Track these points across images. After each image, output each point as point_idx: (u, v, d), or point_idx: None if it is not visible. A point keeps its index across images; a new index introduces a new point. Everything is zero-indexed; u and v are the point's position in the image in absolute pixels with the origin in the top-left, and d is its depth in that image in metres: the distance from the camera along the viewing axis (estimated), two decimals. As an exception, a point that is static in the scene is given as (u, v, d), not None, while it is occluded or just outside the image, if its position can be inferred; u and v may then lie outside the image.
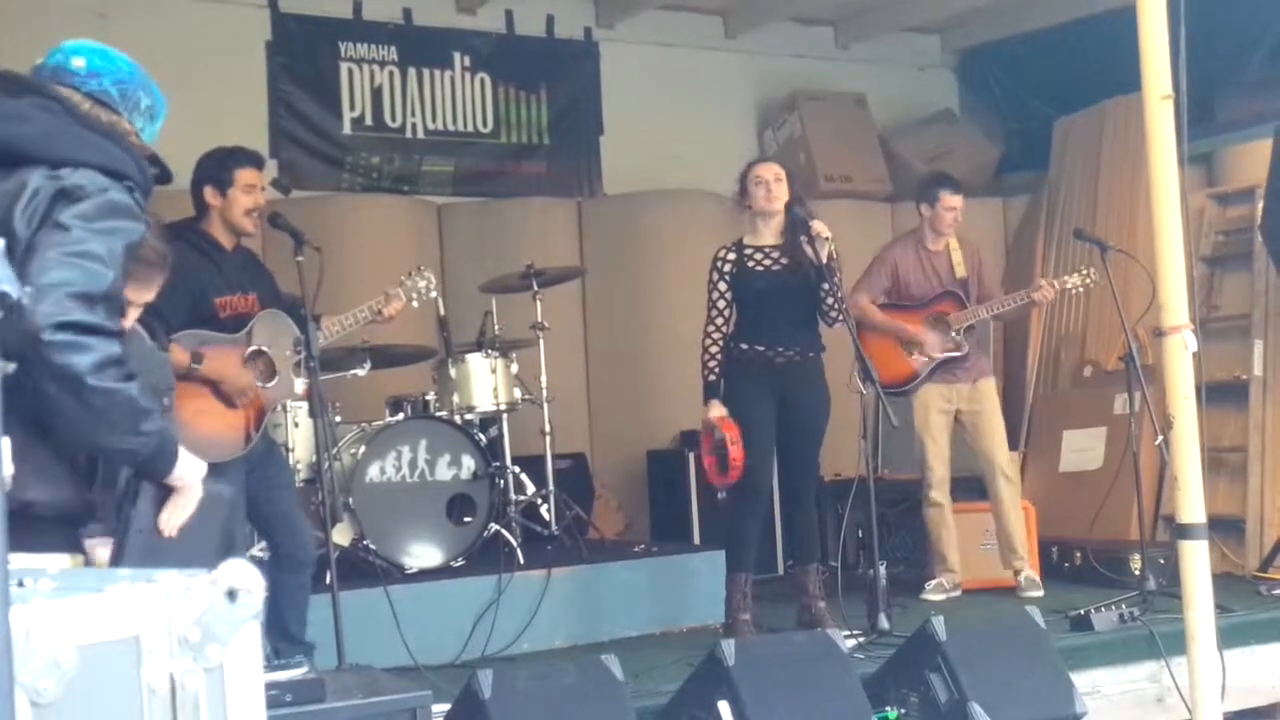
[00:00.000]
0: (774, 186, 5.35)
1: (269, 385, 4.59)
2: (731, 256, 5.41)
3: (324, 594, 4.49)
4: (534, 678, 3.98)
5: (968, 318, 6.13)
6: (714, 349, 5.36)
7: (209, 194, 4.53)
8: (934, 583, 6.10)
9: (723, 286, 5.39)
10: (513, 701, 3.79)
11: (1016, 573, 6.07)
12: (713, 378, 5.34)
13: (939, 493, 6.11)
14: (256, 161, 4.68)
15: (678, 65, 8.45)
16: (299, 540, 4.60)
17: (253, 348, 4.58)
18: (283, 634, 4.40)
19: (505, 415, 6.14)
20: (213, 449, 4.39)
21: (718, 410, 5.26)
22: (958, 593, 6.08)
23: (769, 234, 5.42)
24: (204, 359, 4.41)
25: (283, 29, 7.51)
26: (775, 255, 5.39)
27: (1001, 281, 7.04)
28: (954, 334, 6.10)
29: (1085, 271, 6.18)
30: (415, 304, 5.24)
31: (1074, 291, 6.27)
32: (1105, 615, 5.17)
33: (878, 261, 6.31)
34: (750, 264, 5.38)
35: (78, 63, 2.68)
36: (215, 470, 4.34)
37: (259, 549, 4.81)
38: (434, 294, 5.31)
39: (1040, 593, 5.93)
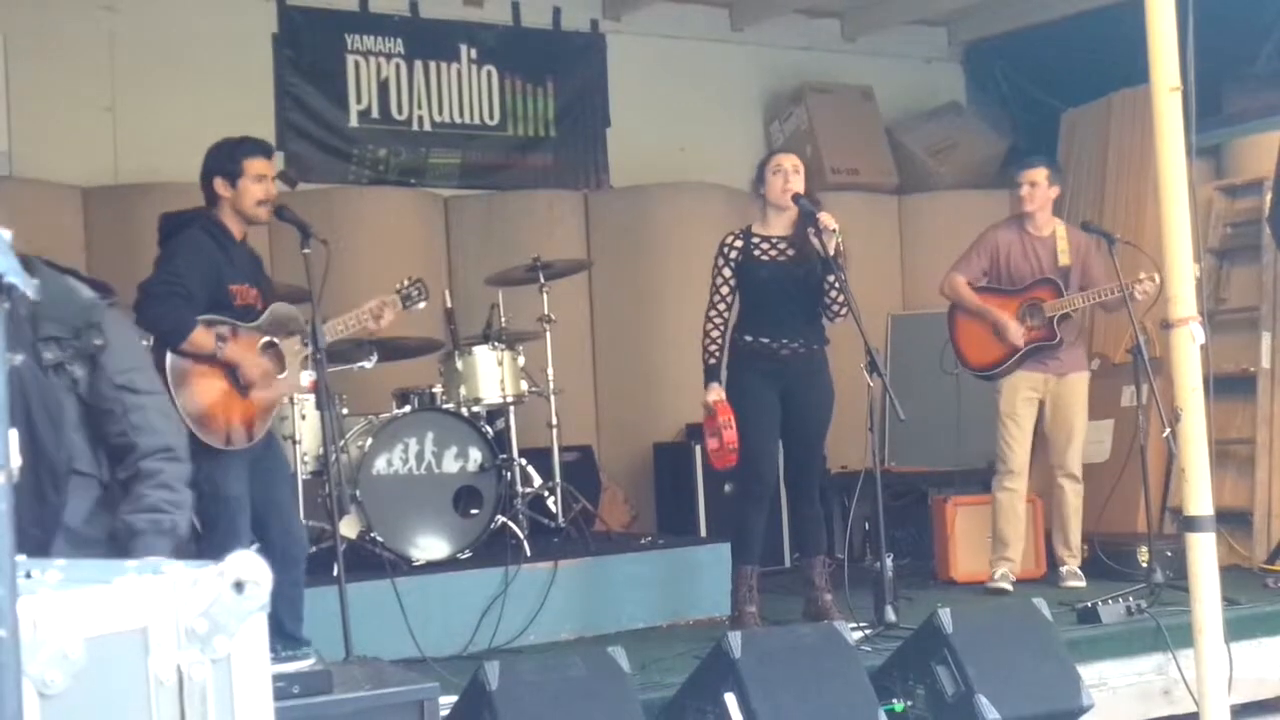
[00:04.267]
0: (793, 176, 5.35)
1: (280, 377, 4.60)
2: (739, 244, 5.41)
3: (331, 586, 4.50)
4: (541, 669, 3.99)
5: (1062, 306, 6.04)
6: (715, 333, 5.37)
7: (220, 185, 4.55)
8: (1000, 572, 6.04)
9: (727, 273, 5.39)
10: (520, 693, 3.79)
11: (1061, 564, 6.11)
12: (713, 361, 5.34)
13: (1013, 480, 6.08)
14: (266, 151, 4.69)
15: (684, 58, 8.44)
16: (292, 536, 4.60)
17: (266, 339, 4.60)
18: (277, 631, 4.33)
19: (512, 408, 6.14)
20: (224, 437, 4.42)
21: (716, 394, 5.27)
22: (1012, 590, 6.00)
23: (779, 225, 5.42)
24: (227, 342, 4.44)
25: (289, 21, 7.51)
26: (782, 246, 5.39)
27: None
28: (1046, 319, 6.03)
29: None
30: (408, 311, 5.25)
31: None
32: (1112, 607, 5.17)
33: (979, 242, 6.27)
34: (757, 253, 5.38)
35: None
36: (221, 462, 4.42)
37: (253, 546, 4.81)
38: (422, 305, 5.31)
39: (1082, 583, 5.98)
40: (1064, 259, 6.12)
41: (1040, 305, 6.09)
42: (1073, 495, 6.12)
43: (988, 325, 6.14)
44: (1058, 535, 6.19)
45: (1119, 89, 7.67)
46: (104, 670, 1.42)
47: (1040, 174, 6.14)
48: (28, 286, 2.06)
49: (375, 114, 7.70)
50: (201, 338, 4.39)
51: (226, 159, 4.57)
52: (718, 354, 5.36)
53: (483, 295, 6.49)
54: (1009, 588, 5.98)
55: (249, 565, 1.52)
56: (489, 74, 8.00)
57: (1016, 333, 6.06)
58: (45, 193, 6.71)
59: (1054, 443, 6.16)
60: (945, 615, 4.33)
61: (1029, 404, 6.12)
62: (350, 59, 7.65)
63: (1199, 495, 4.24)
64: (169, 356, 4.41)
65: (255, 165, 4.58)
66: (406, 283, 5.26)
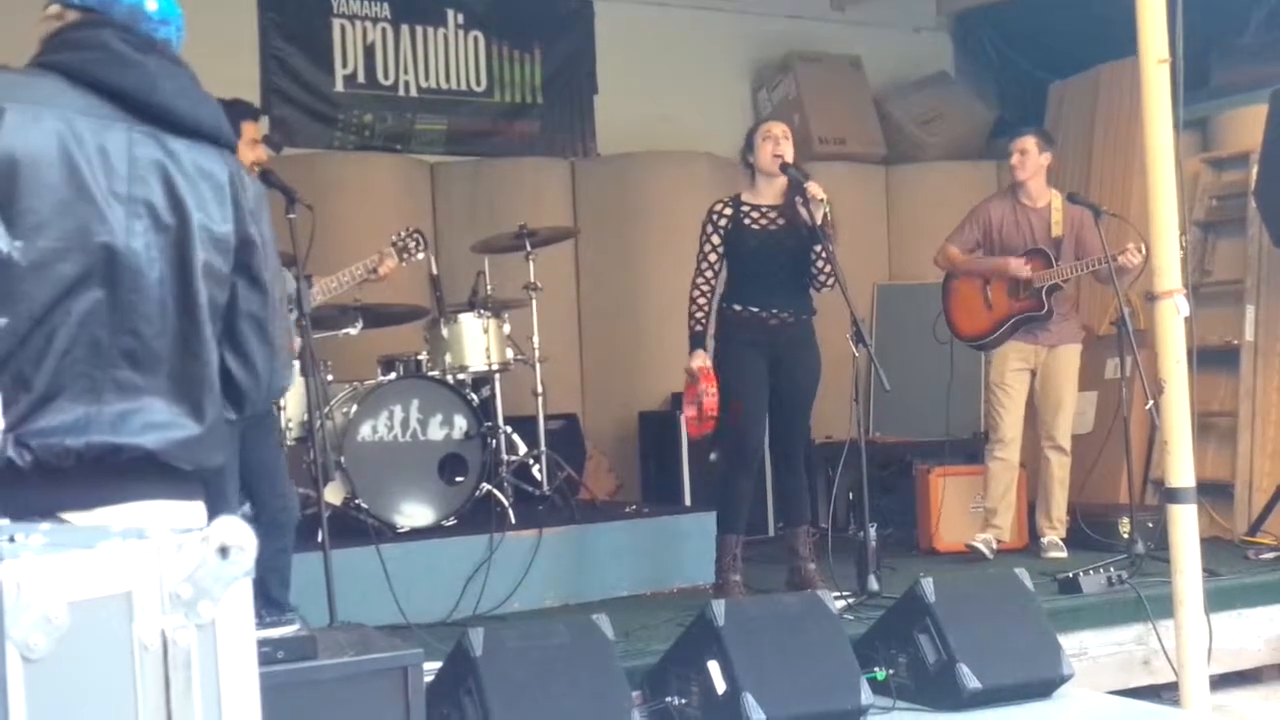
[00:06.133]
0: (782, 143, 5.34)
1: None
2: (728, 211, 5.40)
3: (316, 552, 4.49)
4: (525, 636, 4.00)
5: (1050, 276, 6.05)
6: (701, 300, 5.37)
7: None
8: (984, 536, 6.10)
9: (716, 240, 5.38)
10: (504, 660, 3.80)
11: (1042, 535, 6.16)
12: (699, 328, 5.34)
13: (1003, 449, 6.12)
14: (256, 114, 4.68)
15: (672, 25, 8.40)
16: (282, 502, 4.57)
17: None
18: (264, 597, 4.30)
19: (497, 375, 6.14)
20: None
21: (700, 360, 5.27)
22: (992, 556, 6.05)
23: (769, 194, 5.40)
24: None
25: (274, -15, 7.46)
26: (772, 215, 5.38)
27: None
28: (1036, 290, 6.05)
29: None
30: (405, 264, 5.22)
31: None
32: (1093, 578, 5.19)
33: (972, 213, 6.31)
34: (746, 221, 5.37)
35: (151, 6, 2.29)
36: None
37: (243, 509, 4.79)
38: (421, 255, 5.29)
39: (1063, 554, 6.00)
40: (1057, 230, 6.13)
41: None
42: (1058, 467, 6.15)
43: (979, 295, 6.16)
44: (1040, 506, 6.23)
45: (1107, 60, 7.66)
46: (88, 635, 1.41)
47: (1030, 142, 6.15)
48: (13, 249, 2.05)
49: (361, 79, 7.66)
50: None
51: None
52: (704, 321, 5.35)
53: (468, 262, 6.47)
54: (985, 552, 6.02)
55: (234, 531, 1.51)
56: (476, 40, 7.96)
57: (1018, 266, 6.07)
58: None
59: (1042, 414, 6.19)
60: (927, 585, 4.35)
61: (1018, 374, 6.15)
62: (336, 23, 7.60)
63: (1181, 467, 4.27)
64: None
65: (249, 129, 4.55)
66: (403, 233, 5.22)
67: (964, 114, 8.82)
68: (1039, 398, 6.19)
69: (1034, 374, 6.18)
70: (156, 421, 2.11)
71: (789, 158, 5.33)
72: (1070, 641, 4.73)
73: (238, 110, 4.55)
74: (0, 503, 1.76)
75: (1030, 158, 6.12)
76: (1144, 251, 5.62)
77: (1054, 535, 6.14)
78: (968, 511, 6.39)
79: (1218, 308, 6.82)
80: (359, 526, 5.35)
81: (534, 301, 6.29)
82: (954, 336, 6.39)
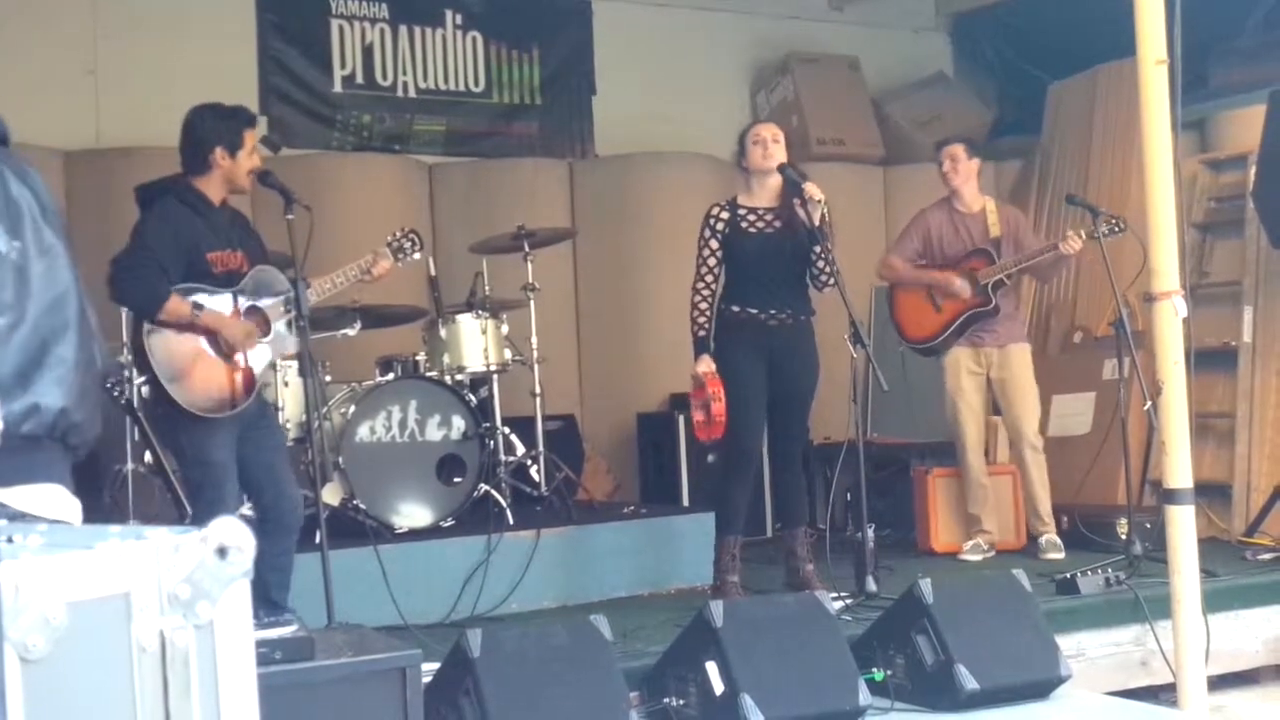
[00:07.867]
0: (771, 146, 5.34)
1: (264, 340, 4.58)
2: (725, 215, 5.39)
3: (314, 553, 4.49)
4: (523, 637, 3.99)
5: (995, 272, 6.14)
6: (703, 304, 5.36)
7: (219, 154, 4.48)
8: (971, 544, 6.20)
9: (714, 244, 5.38)
10: (502, 661, 3.80)
11: (1038, 535, 6.20)
12: (702, 333, 5.34)
13: (969, 455, 6.21)
14: (255, 121, 4.68)
15: (671, 26, 8.41)
16: (286, 504, 4.57)
17: (249, 303, 4.57)
18: (263, 599, 4.31)
19: (495, 376, 6.14)
20: (208, 403, 4.40)
21: (706, 365, 5.27)
22: (992, 553, 6.18)
23: (764, 196, 5.40)
24: (203, 308, 4.42)
25: (273, -15, 7.46)
26: (769, 217, 5.38)
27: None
28: (982, 286, 6.12)
29: (1115, 220, 5.92)
30: (400, 265, 5.20)
31: (1104, 239, 5.88)
32: (1091, 579, 5.20)
33: (911, 224, 6.40)
34: (743, 224, 5.37)
35: None
36: (206, 428, 4.40)
37: (245, 509, 4.78)
38: (417, 256, 5.25)
39: (1061, 555, 6.03)
40: (994, 230, 6.24)
41: (975, 274, 6.16)
42: (1034, 466, 6.20)
43: (925, 299, 6.22)
44: (1029, 505, 6.28)
45: (1105, 61, 7.67)
46: (86, 636, 1.41)
47: (958, 149, 6.28)
48: (11, 249, 2.05)
49: (360, 79, 7.66)
50: (177, 306, 4.36)
51: (230, 130, 4.49)
52: (707, 325, 5.35)
53: (467, 263, 6.47)
54: (976, 560, 6.09)
55: (232, 531, 1.51)
56: (474, 40, 7.96)
57: (961, 285, 6.15)
58: (26, 156, 6.63)
59: (1007, 416, 6.31)
60: (925, 585, 4.35)
61: (974, 378, 6.23)
62: (334, 23, 7.60)
63: (1179, 468, 4.27)
64: (146, 327, 4.39)
65: (250, 137, 4.55)
66: (399, 234, 5.18)
67: (962, 115, 8.82)
68: (1000, 402, 6.27)
69: (990, 380, 6.22)
70: (56, 376, 2.17)
71: (780, 158, 5.32)
72: (1068, 642, 4.73)
73: (240, 118, 4.55)
74: None
75: (961, 164, 6.25)
76: (1083, 236, 5.90)
77: (1050, 534, 6.16)
78: (964, 512, 6.39)
79: (1215, 309, 6.82)
80: (357, 527, 5.34)
81: (532, 302, 6.29)
82: (903, 342, 6.45)
